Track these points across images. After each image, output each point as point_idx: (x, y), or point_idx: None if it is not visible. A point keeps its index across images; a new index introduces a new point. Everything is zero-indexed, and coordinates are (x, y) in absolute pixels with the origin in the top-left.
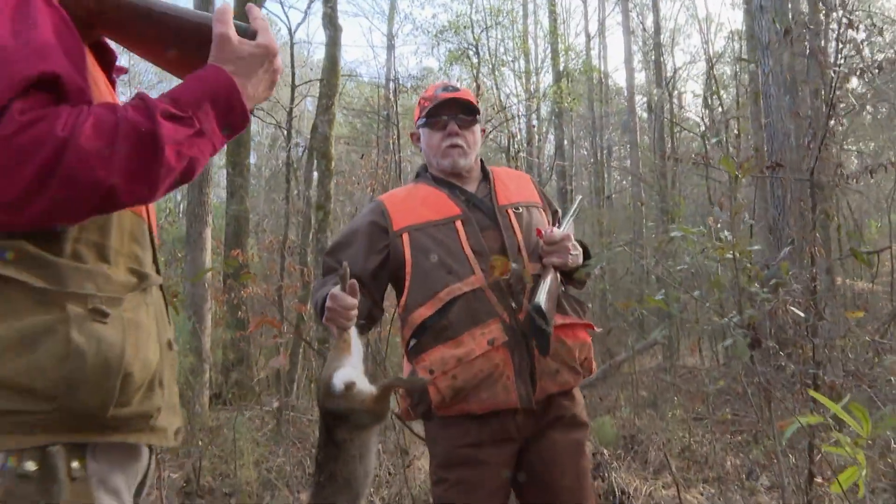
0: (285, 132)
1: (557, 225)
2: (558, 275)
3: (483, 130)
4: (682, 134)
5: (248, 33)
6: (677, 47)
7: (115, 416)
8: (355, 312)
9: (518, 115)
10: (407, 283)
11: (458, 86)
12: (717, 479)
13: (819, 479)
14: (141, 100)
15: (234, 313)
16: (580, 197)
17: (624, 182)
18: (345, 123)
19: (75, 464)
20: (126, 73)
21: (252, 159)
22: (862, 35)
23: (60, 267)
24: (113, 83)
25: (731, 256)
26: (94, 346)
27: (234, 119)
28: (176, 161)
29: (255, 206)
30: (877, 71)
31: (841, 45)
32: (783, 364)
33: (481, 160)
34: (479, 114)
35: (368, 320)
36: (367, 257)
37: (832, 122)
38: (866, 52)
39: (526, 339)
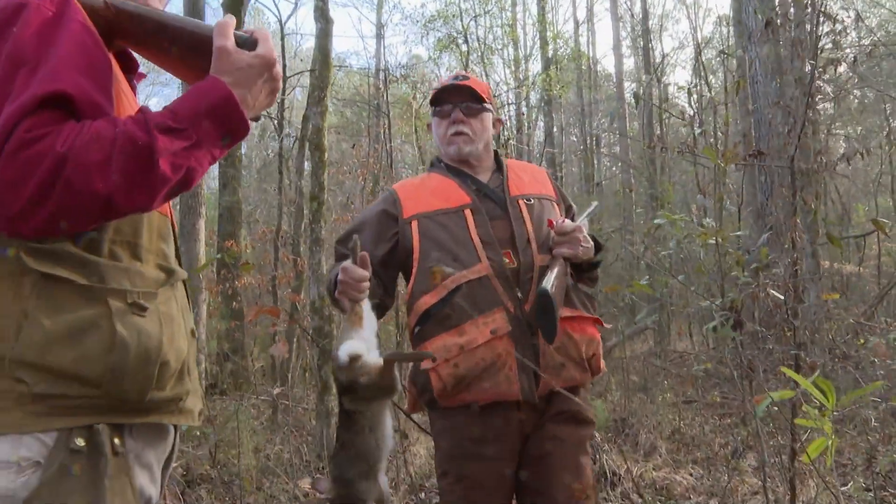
0: (276, 123)
1: (572, 220)
2: (568, 267)
3: (499, 120)
4: (670, 120)
5: (248, 44)
6: (665, 33)
7: (152, 399)
8: (367, 284)
9: (507, 103)
10: (414, 271)
11: (469, 75)
12: (706, 459)
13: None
14: (141, 113)
15: (228, 304)
16: (595, 203)
17: (614, 168)
18: (334, 112)
19: (116, 441)
20: (145, 77)
21: (242, 149)
22: (839, 26)
23: (100, 265)
24: (134, 88)
25: (713, 242)
26: (136, 338)
27: (232, 128)
28: (172, 172)
29: (247, 196)
30: (853, 62)
31: (817, 37)
32: (771, 347)
33: (496, 151)
34: (486, 102)
35: (378, 307)
36: (377, 245)
37: (811, 111)
38: (853, 35)
39: (531, 331)
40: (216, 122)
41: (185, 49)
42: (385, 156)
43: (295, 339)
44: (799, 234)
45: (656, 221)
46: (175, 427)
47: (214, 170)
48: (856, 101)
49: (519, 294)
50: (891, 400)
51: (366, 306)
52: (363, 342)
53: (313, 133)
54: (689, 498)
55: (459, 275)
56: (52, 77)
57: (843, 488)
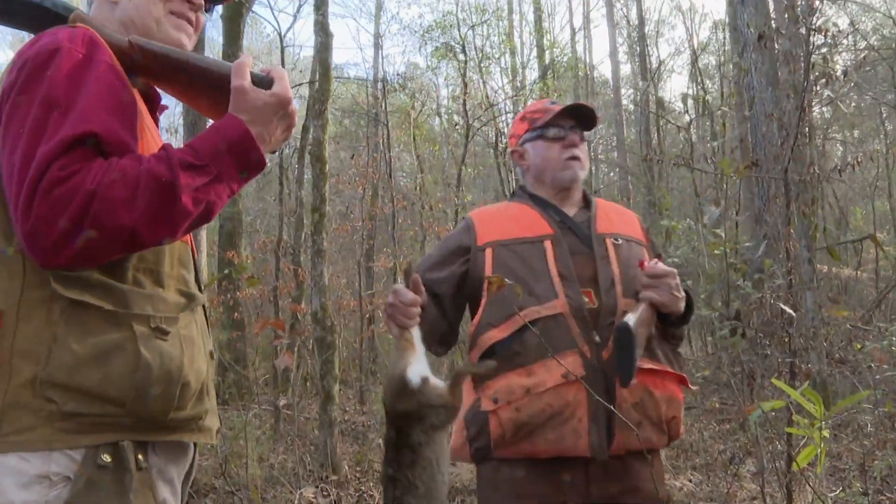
0: None
1: None
2: (654, 314)
3: None
4: (667, 126)
5: (265, 83)
6: (662, 38)
7: (174, 418)
8: (417, 310)
9: (505, 112)
10: (483, 301)
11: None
12: (705, 465)
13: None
14: (164, 150)
15: (229, 314)
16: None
17: (612, 174)
18: (333, 122)
19: (140, 457)
20: (167, 109)
21: None
22: (830, 39)
23: (125, 292)
24: (156, 120)
25: (719, 252)
26: (158, 360)
27: (250, 164)
28: (193, 206)
29: (246, 206)
30: (843, 74)
31: (809, 52)
32: (769, 353)
33: (584, 188)
34: (595, 127)
35: (441, 343)
36: (447, 274)
37: (803, 123)
38: (848, 40)
39: (607, 381)
40: (234, 158)
41: (206, 87)
42: (384, 165)
43: (296, 349)
44: (793, 244)
45: (663, 223)
46: (194, 444)
47: None
48: (852, 104)
49: (597, 338)
50: (885, 406)
51: (415, 332)
52: (423, 365)
53: (314, 145)
54: (689, 503)
55: (532, 310)
56: (81, 118)
57: (838, 493)
